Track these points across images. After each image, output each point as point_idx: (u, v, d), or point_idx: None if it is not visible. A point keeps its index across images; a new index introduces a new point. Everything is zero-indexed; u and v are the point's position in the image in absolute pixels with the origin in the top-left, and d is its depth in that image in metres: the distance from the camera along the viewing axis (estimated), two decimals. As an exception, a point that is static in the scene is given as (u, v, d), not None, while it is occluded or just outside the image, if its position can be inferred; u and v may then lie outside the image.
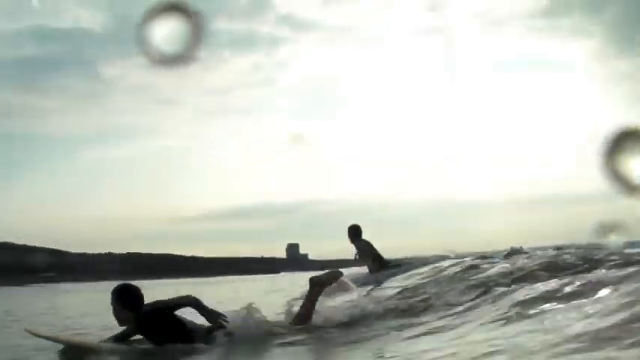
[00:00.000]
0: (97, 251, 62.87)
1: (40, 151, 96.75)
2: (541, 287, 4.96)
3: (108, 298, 5.17)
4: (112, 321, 5.21)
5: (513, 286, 5.45)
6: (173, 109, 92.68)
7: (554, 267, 5.98)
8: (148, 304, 5.13)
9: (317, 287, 5.60)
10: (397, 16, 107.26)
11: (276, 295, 10.84)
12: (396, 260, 10.31)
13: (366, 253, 9.94)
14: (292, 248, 78.53)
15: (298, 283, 12.74)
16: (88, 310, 10.76)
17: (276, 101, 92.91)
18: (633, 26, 74.94)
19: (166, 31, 3.02)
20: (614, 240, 3.87)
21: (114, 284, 5.29)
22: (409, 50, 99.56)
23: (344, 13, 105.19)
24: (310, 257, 71.36)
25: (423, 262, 10.12)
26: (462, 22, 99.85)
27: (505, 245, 9.87)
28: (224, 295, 13.91)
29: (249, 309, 5.22)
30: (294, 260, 70.63)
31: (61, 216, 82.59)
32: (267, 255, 75.45)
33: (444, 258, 9.64)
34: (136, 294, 5.13)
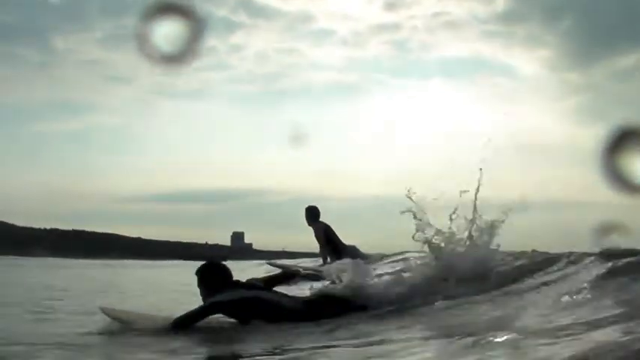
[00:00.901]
0: (42, 226, 61.59)
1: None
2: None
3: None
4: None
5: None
6: (123, 86, 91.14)
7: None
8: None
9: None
10: (354, 11, 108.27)
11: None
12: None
13: (321, 237, 9.03)
14: (237, 236, 78.48)
15: (249, 272, 13.39)
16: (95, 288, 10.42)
17: (227, 86, 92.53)
18: (588, 39, 78.04)
19: (165, 30, 3.44)
20: (614, 241, 3.77)
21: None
22: (362, 45, 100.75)
23: (302, 3, 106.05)
24: (255, 247, 71.73)
25: (381, 256, 9.36)
26: (417, 21, 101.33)
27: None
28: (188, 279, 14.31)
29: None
30: (239, 249, 70.78)
31: (4, 187, 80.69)
32: (211, 242, 75.39)
33: (402, 253, 8.99)
34: (218, 274, 5.04)
